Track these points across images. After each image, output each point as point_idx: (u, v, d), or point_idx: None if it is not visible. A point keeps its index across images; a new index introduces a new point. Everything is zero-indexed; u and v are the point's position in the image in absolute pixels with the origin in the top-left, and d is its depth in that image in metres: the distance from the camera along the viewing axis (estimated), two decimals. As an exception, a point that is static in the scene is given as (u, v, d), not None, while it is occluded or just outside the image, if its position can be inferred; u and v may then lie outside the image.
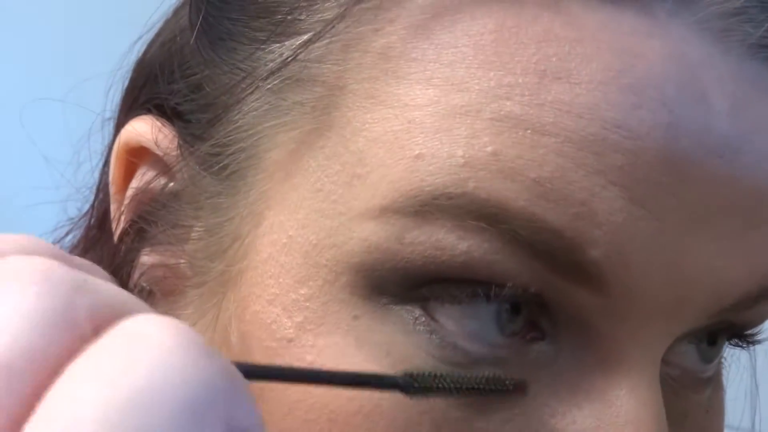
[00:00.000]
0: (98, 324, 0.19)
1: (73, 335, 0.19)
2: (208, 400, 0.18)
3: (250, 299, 0.31)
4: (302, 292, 0.29)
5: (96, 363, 0.18)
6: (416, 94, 0.28)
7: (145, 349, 0.18)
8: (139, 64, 0.39)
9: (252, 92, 0.31)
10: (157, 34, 0.39)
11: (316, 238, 0.29)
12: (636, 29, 0.28)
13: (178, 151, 0.34)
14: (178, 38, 0.36)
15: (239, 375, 0.20)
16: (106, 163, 0.40)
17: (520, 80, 0.27)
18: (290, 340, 0.29)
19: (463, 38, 0.28)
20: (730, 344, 0.34)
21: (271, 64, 0.31)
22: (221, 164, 0.32)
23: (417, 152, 0.28)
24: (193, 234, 0.33)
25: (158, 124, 0.35)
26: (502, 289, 0.28)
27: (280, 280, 0.30)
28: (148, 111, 0.36)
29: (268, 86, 0.31)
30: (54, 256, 0.21)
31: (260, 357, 0.30)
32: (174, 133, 0.34)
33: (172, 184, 0.34)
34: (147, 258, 0.35)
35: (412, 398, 0.26)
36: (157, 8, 0.39)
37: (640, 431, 0.28)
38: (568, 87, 0.27)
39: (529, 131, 0.27)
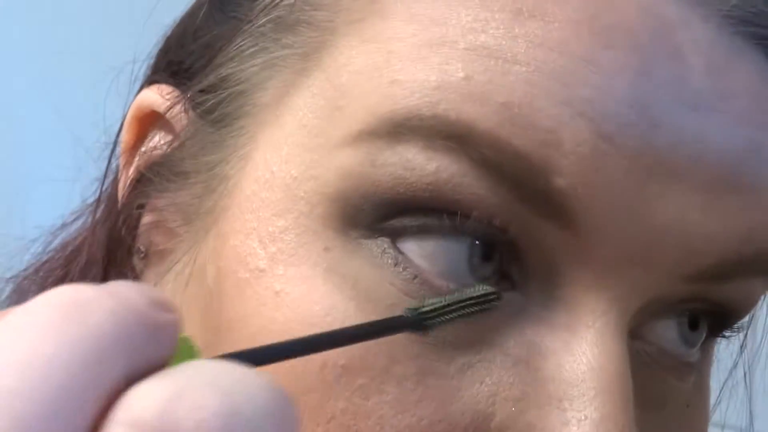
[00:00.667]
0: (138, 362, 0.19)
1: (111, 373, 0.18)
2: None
3: (229, 235, 0.31)
4: (279, 224, 0.30)
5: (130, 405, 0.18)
6: (398, 29, 0.29)
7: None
8: (162, 39, 0.40)
9: (242, 34, 0.33)
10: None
11: (297, 171, 0.30)
12: None
13: (182, 108, 0.35)
14: (199, 7, 0.37)
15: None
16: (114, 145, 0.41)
17: (496, 16, 0.28)
18: (262, 270, 0.30)
19: None
20: (716, 335, 0.34)
21: (263, 4, 0.32)
22: (215, 109, 0.33)
23: (393, 78, 0.29)
24: (188, 184, 0.34)
25: (168, 88, 0.36)
26: (467, 220, 0.28)
27: (260, 214, 0.31)
28: (164, 79, 0.37)
29: (260, 29, 0.32)
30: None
31: (232, 291, 0.30)
32: (180, 93, 0.35)
33: (178, 141, 0.35)
34: (146, 218, 0.36)
35: (424, 334, 0.27)
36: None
37: (601, 381, 0.28)
38: (542, 24, 0.28)
39: (500, 60, 0.28)
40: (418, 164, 0.28)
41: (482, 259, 0.29)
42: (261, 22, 0.33)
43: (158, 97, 0.36)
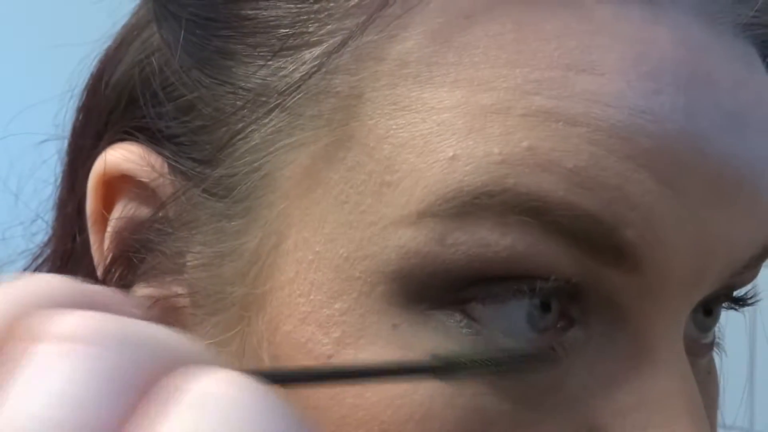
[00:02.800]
0: (152, 376, 0.19)
1: (128, 396, 0.19)
2: None
3: (279, 320, 0.30)
4: (336, 306, 0.29)
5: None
6: (443, 97, 0.28)
7: (220, 413, 0.19)
8: (101, 87, 0.37)
9: (266, 112, 0.31)
10: (114, 55, 0.37)
11: (346, 250, 0.29)
12: (644, 18, 0.29)
13: (170, 176, 0.33)
14: (154, 58, 0.34)
15: (307, 424, 0.20)
16: (59, 194, 0.39)
17: (547, 75, 0.28)
18: (330, 357, 0.29)
19: (484, 39, 0.28)
20: (725, 308, 0.36)
21: (285, 80, 0.30)
22: (230, 187, 0.31)
23: (451, 154, 0.28)
24: (193, 261, 0.32)
25: (141, 150, 0.33)
26: (546, 282, 0.28)
27: (311, 297, 0.29)
28: (123, 137, 0.34)
29: (283, 104, 0.30)
30: (81, 297, 0.21)
31: None
32: (161, 158, 0.33)
33: (163, 211, 0.33)
34: (139, 290, 0.33)
35: (443, 381, 0.27)
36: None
37: (680, 402, 0.29)
38: (593, 78, 0.28)
39: (560, 123, 0.27)
40: (492, 240, 0.28)
41: (541, 310, 0.29)
42: (283, 92, 0.30)
43: (129, 157, 0.33)
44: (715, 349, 0.35)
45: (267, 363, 0.30)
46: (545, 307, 0.29)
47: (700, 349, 0.34)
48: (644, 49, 0.28)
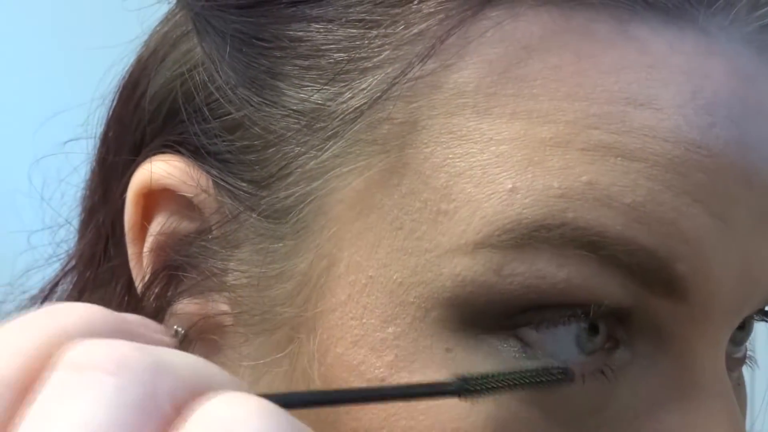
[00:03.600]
0: (180, 404, 0.20)
1: (157, 423, 0.19)
2: None
3: (330, 342, 0.30)
4: (390, 330, 0.29)
5: None
6: (501, 128, 0.28)
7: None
8: (135, 97, 0.36)
9: (325, 139, 0.31)
10: (148, 64, 0.36)
11: (401, 276, 0.29)
12: (697, 49, 0.29)
13: (215, 193, 0.33)
14: (197, 72, 0.34)
15: None
16: (88, 202, 0.39)
17: (607, 109, 0.28)
18: (382, 380, 0.29)
19: (543, 71, 0.28)
20: (756, 320, 0.36)
21: (343, 107, 0.30)
22: (281, 209, 0.31)
23: (510, 186, 0.28)
24: (239, 279, 0.32)
25: (183, 164, 0.33)
26: (599, 308, 0.29)
27: (364, 320, 0.30)
28: (164, 150, 0.34)
29: (342, 131, 0.30)
30: (114, 326, 0.22)
31: (356, 406, 0.30)
32: (205, 174, 0.33)
33: (207, 227, 0.33)
34: (182, 306, 0.33)
35: (466, 400, 0.27)
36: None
37: (728, 422, 0.30)
38: (652, 113, 0.28)
39: (619, 158, 0.28)
40: (549, 273, 0.28)
41: (590, 333, 0.30)
42: (330, 119, 0.30)
43: (171, 171, 0.33)
44: (747, 362, 0.36)
45: (318, 384, 0.31)
46: (593, 329, 0.30)
47: (732, 363, 0.34)
48: (700, 82, 0.29)
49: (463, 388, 0.26)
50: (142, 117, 0.36)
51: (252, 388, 0.31)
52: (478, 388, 0.26)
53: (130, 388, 0.19)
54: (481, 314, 0.29)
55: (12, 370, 0.20)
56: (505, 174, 0.28)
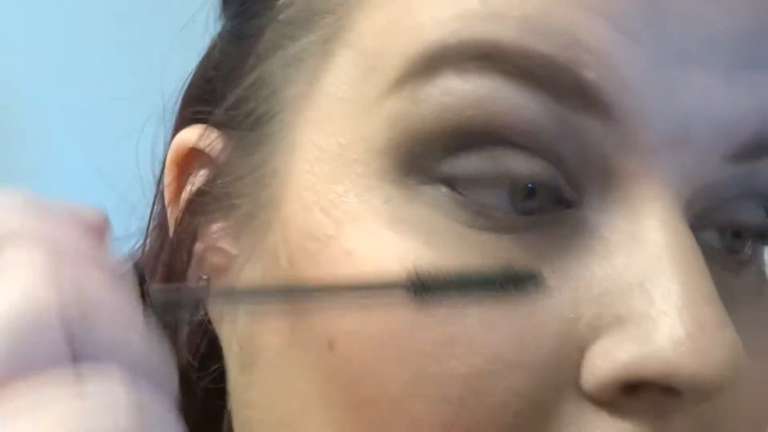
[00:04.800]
0: None
1: None
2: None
3: (291, 217, 0.33)
4: (337, 189, 0.32)
5: None
6: None
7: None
8: (184, 89, 0.42)
9: (261, 45, 0.35)
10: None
11: (345, 139, 0.32)
12: None
13: (219, 134, 0.37)
14: (211, 50, 0.40)
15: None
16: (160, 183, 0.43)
17: None
18: (330, 236, 0.31)
19: None
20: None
21: (272, 14, 0.35)
22: (250, 114, 0.35)
23: (416, 22, 0.31)
24: (240, 193, 0.35)
25: (199, 127, 0.38)
26: (513, 151, 0.29)
27: (317, 187, 0.32)
28: (193, 122, 0.39)
29: (277, 35, 0.35)
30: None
31: (306, 264, 0.32)
32: (211, 123, 0.37)
33: (216, 169, 0.37)
34: (199, 246, 0.37)
35: (420, 299, 0.28)
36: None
37: (674, 256, 0.29)
38: None
39: None
40: (456, 87, 0.30)
41: (526, 195, 0.30)
42: (277, 30, 0.35)
43: (193, 134, 0.38)
44: None
45: (284, 262, 0.32)
46: (531, 192, 0.30)
47: (733, 264, 0.33)
48: None
49: (417, 285, 0.27)
50: (186, 104, 0.41)
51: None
52: (432, 286, 0.27)
53: None
54: (411, 156, 0.30)
55: None
56: (412, 16, 0.31)
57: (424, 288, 0.27)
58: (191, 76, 0.41)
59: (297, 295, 0.30)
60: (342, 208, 0.31)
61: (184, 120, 0.40)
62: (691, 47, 0.30)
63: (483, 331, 0.29)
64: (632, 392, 0.28)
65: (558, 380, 0.29)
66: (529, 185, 0.30)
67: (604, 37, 0.29)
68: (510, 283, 0.28)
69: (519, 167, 0.30)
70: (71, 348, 0.22)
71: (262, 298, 0.28)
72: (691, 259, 0.29)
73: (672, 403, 0.28)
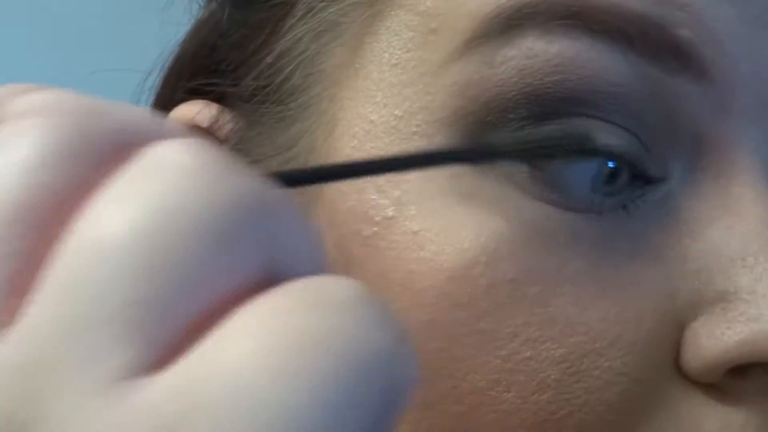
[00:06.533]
0: (122, 151, 0.18)
1: (93, 165, 0.18)
2: (236, 221, 0.17)
3: (337, 199, 0.29)
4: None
5: (114, 191, 0.17)
6: None
7: (162, 172, 0.17)
8: (173, 60, 0.39)
9: (289, 7, 0.32)
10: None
11: (401, 110, 0.29)
12: None
13: (226, 110, 0.34)
14: (213, 17, 0.36)
15: (278, 193, 0.18)
16: None
17: None
18: (391, 218, 0.28)
19: None
20: None
21: None
22: (278, 89, 0.32)
23: None
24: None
25: (200, 102, 0.34)
26: (610, 104, 0.27)
27: None
28: (190, 96, 0.35)
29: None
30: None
31: (361, 252, 0.29)
32: (221, 99, 0.34)
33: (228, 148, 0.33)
34: None
35: (477, 166, 0.26)
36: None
37: None
38: None
39: None
40: (540, 50, 0.27)
41: (609, 176, 0.28)
42: None
43: (189, 112, 0.34)
44: None
45: (333, 253, 0.29)
46: (615, 171, 0.28)
47: None
48: None
49: (477, 153, 0.25)
50: (179, 75, 0.38)
51: None
52: (493, 152, 0.25)
53: (64, 128, 0.18)
54: (482, 126, 0.28)
55: None
56: None
57: (483, 155, 0.25)
58: (185, 45, 0.38)
59: (356, 173, 0.26)
60: (402, 186, 0.28)
61: (174, 94, 0.37)
62: None
63: (580, 310, 0.27)
64: (740, 373, 0.27)
65: (660, 359, 0.27)
66: (612, 165, 0.28)
67: None
68: (566, 144, 0.26)
69: (603, 141, 0.27)
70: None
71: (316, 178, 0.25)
72: None
73: None
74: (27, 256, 0.17)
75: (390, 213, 0.28)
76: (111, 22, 1.04)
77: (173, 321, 0.16)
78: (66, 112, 0.18)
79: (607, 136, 0.27)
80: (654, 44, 0.27)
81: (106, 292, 0.16)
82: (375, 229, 0.28)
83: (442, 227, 0.27)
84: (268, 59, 0.32)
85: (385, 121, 0.29)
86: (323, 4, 0.31)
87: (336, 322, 0.16)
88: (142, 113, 0.19)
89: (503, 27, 0.27)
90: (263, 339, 0.16)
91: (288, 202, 0.18)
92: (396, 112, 0.29)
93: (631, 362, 0.27)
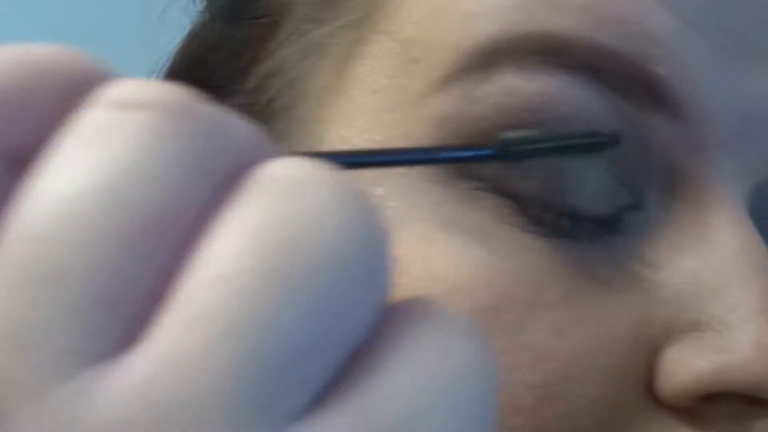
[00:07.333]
0: (239, 167, 0.17)
1: (212, 184, 0.17)
2: (365, 265, 0.17)
3: None
4: (378, 193, 0.29)
5: (242, 215, 0.16)
6: None
7: (296, 196, 0.16)
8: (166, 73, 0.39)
9: (276, 28, 0.32)
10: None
11: (382, 136, 0.29)
12: None
13: None
14: (203, 29, 0.37)
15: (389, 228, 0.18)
16: None
17: None
18: None
19: None
20: None
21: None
22: (263, 108, 0.32)
23: (467, 11, 0.28)
24: None
25: None
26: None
27: None
28: None
29: (296, 16, 0.32)
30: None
31: None
32: None
33: None
34: None
35: (510, 162, 0.26)
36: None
37: (748, 260, 0.27)
38: None
39: None
40: (518, 87, 0.27)
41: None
42: (297, 12, 0.32)
43: None
44: None
45: None
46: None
47: None
48: None
49: (506, 151, 0.25)
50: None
51: None
52: (522, 150, 0.25)
53: (191, 136, 0.16)
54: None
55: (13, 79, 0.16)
56: (460, 4, 0.28)
57: (511, 152, 0.25)
58: (179, 54, 0.38)
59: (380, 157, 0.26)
60: (384, 212, 0.28)
61: None
62: (753, 37, 0.29)
63: (555, 337, 0.27)
64: (711, 399, 0.27)
65: (631, 384, 0.28)
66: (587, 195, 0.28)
67: (672, 29, 0.28)
68: (591, 139, 0.26)
69: (578, 174, 0.28)
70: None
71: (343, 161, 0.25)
72: (766, 263, 0.28)
73: (754, 413, 0.27)
74: (156, 275, 0.16)
75: None
76: (106, 28, 1.04)
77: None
78: (190, 115, 0.17)
79: (583, 168, 0.28)
80: (628, 81, 0.28)
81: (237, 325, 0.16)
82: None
83: (422, 254, 0.28)
84: (256, 78, 0.33)
85: (366, 145, 0.29)
86: (309, 25, 0.32)
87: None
88: (248, 127, 0.18)
89: (481, 62, 0.28)
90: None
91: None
92: (377, 138, 0.29)
93: (604, 388, 0.27)
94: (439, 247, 0.28)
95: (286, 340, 0.16)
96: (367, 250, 0.17)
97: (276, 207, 0.16)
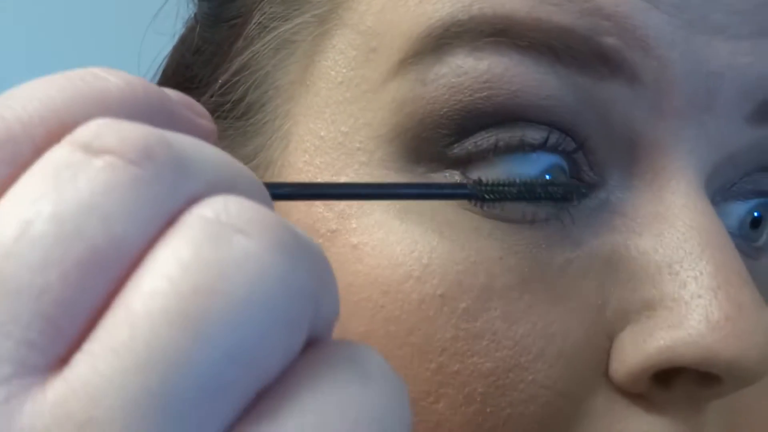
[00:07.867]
0: (185, 203, 0.18)
1: (158, 223, 0.18)
2: (295, 309, 0.18)
3: (289, 212, 0.31)
4: (341, 181, 0.30)
5: (168, 256, 0.17)
6: None
7: (221, 241, 0.18)
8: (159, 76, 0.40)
9: (247, 27, 0.33)
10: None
11: (346, 126, 0.30)
12: None
13: None
14: (188, 33, 0.38)
15: (328, 265, 0.19)
16: None
17: None
18: (334, 231, 0.29)
19: None
20: None
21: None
22: (237, 104, 0.33)
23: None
24: None
25: None
26: (527, 126, 0.28)
27: (318, 179, 0.30)
28: None
29: (265, 15, 0.33)
30: (155, 102, 0.20)
31: None
32: None
33: None
34: None
35: (483, 206, 0.27)
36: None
37: (702, 236, 0.27)
38: None
39: None
40: (470, 67, 0.28)
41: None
42: (265, 10, 0.33)
43: None
44: None
45: None
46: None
47: (751, 251, 0.31)
48: None
49: (481, 192, 0.26)
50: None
51: None
52: (491, 194, 0.26)
53: (149, 183, 0.18)
54: (419, 141, 0.28)
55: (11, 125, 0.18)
56: None
57: (483, 195, 0.26)
58: (166, 61, 0.39)
59: (350, 196, 0.28)
60: (344, 201, 0.29)
61: None
62: (715, 15, 0.28)
63: (507, 324, 0.27)
64: (665, 382, 0.27)
65: (587, 371, 0.28)
66: (547, 176, 0.28)
67: (622, 1, 0.28)
68: (555, 188, 0.27)
69: (534, 138, 0.28)
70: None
71: (312, 196, 0.27)
72: (721, 239, 0.27)
73: (708, 393, 0.27)
74: (97, 303, 0.17)
75: (333, 226, 0.29)
76: (102, 32, 1.05)
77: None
78: (151, 162, 0.18)
79: (541, 134, 0.28)
80: (581, 54, 0.28)
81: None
82: (320, 241, 0.29)
83: (379, 241, 0.28)
84: (226, 76, 0.34)
85: (333, 137, 0.30)
86: (275, 23, 0.32)
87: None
88: (222, 160, 0.19)
89: (434, 46, 0.28)
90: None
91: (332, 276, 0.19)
92: (342, 129, 0.30)
93: (556, 375, 0.27)
94: (395, 235, 0.28)
95: (187, 379, 0.17)
96: (284, 300, 0.18)
97: (200, 251, 0.17)
